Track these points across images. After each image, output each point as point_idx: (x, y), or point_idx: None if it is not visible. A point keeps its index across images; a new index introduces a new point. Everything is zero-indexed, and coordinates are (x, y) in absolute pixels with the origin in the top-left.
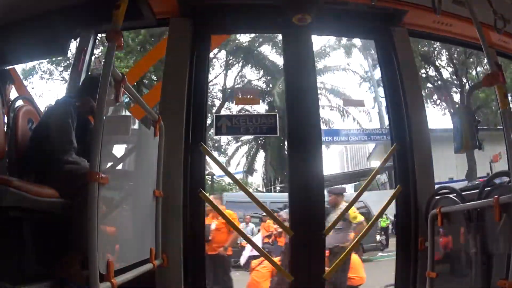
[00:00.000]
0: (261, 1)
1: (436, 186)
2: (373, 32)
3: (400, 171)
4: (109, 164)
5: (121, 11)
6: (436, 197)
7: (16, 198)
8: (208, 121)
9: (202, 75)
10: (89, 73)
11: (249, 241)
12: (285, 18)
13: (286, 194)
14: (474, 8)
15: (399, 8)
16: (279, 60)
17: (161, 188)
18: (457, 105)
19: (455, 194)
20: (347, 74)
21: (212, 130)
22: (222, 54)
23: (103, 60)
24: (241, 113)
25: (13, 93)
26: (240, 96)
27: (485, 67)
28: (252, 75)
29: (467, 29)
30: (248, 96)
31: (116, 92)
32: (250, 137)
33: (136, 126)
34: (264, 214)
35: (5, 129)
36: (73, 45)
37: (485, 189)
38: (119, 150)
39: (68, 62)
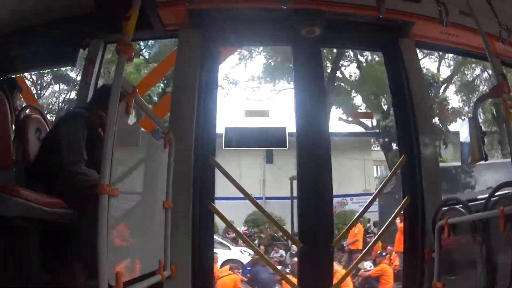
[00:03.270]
0: (270, 14)
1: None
2: (381, 43)
3: (407, 183)
4: (119, 175)
5: (131, 23)
6: (443, 208)
7: (22, 207)
8: None
9: (212, 87)
10: (100, 84)
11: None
12: (294, 30)
13: None
14: (480, 19)
15: (407, 19)
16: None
17: (170, 200)
18: (464, 118)
19: (461, 205)
20: None
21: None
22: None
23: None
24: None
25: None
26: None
27: None
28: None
29: (473, 39)
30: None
31: (126, 105)
32: None
33: (146, 138)
34: None
35: (13, 138)
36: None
37: (491, 199)
38: (129, 161)
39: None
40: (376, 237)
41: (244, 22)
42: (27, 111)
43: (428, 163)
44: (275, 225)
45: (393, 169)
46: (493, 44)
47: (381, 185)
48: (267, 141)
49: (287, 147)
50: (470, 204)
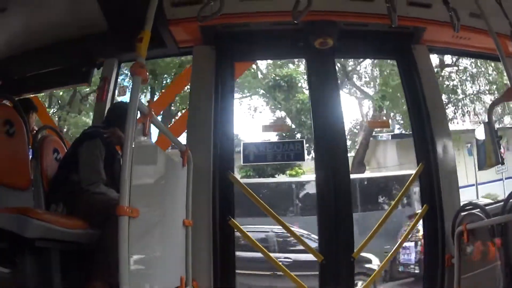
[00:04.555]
0: (282, 27)
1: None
2: (394, 51)
3: (426, 190)
4: (139, 195)
5: (144, 44)
6: (462, 214)
7: (42, 229)
8: None
9: (228, 102)
10: (115, 102)
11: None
12: (307, 43)
13: None
14: (490, 20)
15: (418, 25)
16: None
17: (190, 217)
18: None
19: (479, 210)
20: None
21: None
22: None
23: (129, 90)
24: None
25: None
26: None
27: None
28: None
29: (485, 40)
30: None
31: (143, 125)
32: None
33: (164, 157)
34: None
35: (30, 158)
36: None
37: (509, 202)
38: (148, 181)
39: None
40: (395, 248)
41: (257, 36)
42: (44, 131)
43: (445, 170)
44: (297, 239)
45: (411, 177)
46: (505, 45)
47: (400, 193)
48: (285, 155)
49: (305, 160)
50: (487, 208)
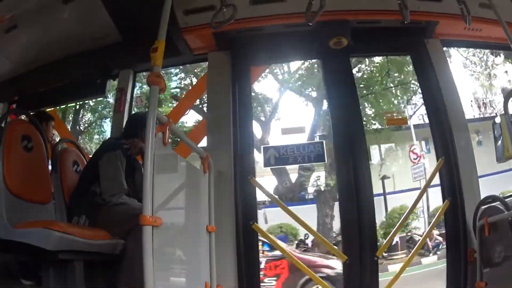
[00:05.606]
0: (296, 29)
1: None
2: (408, 47)
3: (447, 185)
4: (161, 204)
5: (159, 54)
6: (483, 207)
7: (64, 241)
8: None
9: (245, 107)
10: (133, 113)
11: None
12: (321, 43)
13: None
14: (500, 9)
15: (430, 20)
16: None
17: (213, 223)
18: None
19: (499, 202)
20: None
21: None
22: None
23: (147, 102)
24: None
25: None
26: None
27: None
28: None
29: (496, 31)
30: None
31: (162, 135)
32: None
33: (184, 164)
34: None
35: (50, 171)
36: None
37: None
38: (170, 189)
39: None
40: (417, 245)
41: (271, 39)
42: (63, 144)
43: (465, 163)
44: (321, 241)
45: (432, 172)
46: None
47: (422, 188)
48: (306, 157)
49: (326, 161)
50: (507, 200)
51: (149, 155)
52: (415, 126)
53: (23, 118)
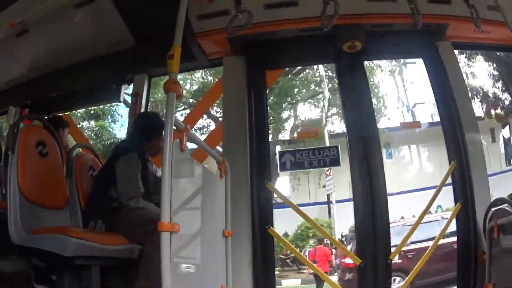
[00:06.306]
0: (310, 33)
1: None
2: (420, 49)
3: (459, 188)
4: (179, 209)
5: (175, 60)
6: (492, 209)
7: (80, 247)
8: None
9: (261, 112)
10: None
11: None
12: (336, 47)
13: None
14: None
15: (441, 22)
16: None
17: (229, 228)
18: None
19: (507, 204)
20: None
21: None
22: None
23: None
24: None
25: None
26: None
27: None
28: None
29: (504, 33)
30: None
31: (180, 141)
32: None
33: (201, 170)
34: None
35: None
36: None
37: None
38: (187, 194)
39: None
40: (431, 246)
41: (286, 43)
42: (78, 149)
43: (477, 166)
44: (335, 243)
45: (445, 174)
46: None
47: (435, 192)
48: (321, 161)
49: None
50: None
51: (167, 162)
52: (333, 135)
53: (37, 123)
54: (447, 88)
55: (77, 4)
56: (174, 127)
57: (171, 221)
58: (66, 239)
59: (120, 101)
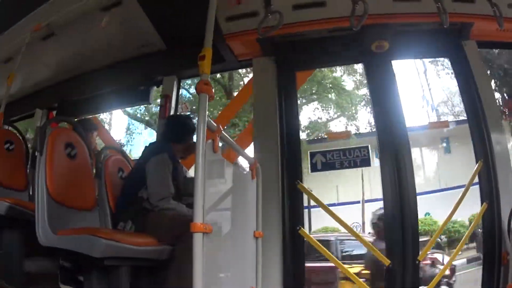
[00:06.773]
0: (338, 33)
1: None
2: (446, 48)
3: (485, 188)
4: (211, 210)
5: (206, 62)
6: None
7: (111, 248)
8: None
9: (292, 112)
10: (175, 116)
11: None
12: (364, 47)
13: None
14: None
15: (465, 21)
16: None
17: (260, 229)
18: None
19: None
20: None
21: None
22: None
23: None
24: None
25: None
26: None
27: None
28: None
29: None
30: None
31: (212, 142)
32: None
33: (233, 171)
34: None
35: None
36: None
37: None
38: (219, 195)
39: None
40: (457, 248)
41: (315, 44)
42: (107, 151)
43: (503, 166)
44: (365, 245)
45: (472, 174)
46: None
47: (462, 192)
48: (352, 162)
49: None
50: None
51: (199, 163)
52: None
53: (65, 125)
54: (474, 88)
55: (102, 7)
56: (207, 128)
57: (204, 222)
58: (95, 240)
59: (149, 103)
